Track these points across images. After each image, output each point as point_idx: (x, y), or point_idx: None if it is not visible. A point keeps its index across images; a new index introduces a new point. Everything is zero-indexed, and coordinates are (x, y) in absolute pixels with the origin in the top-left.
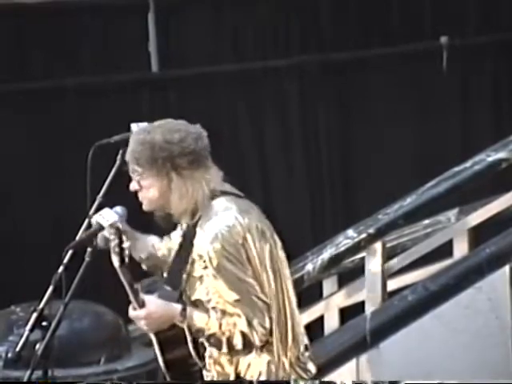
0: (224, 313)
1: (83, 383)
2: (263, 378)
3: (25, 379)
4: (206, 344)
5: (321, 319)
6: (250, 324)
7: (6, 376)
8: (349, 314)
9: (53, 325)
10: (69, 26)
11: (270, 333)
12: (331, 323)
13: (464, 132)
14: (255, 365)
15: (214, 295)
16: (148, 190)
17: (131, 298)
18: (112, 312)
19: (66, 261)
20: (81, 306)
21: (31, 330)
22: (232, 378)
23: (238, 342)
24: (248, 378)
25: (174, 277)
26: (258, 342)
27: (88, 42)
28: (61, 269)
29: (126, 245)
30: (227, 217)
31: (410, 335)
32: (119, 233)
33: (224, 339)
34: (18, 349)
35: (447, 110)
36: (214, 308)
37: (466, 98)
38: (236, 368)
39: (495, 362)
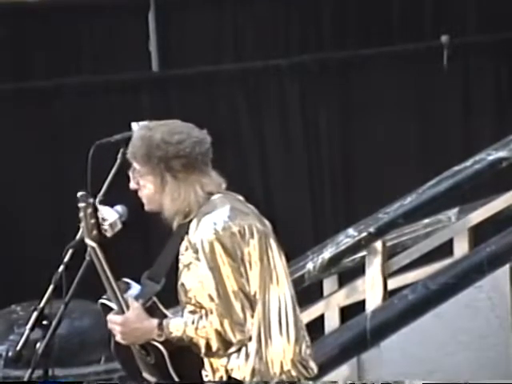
0: (201, 307)
1: (84, 382)
2: (256, 377)
3: (25, 378)
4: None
5: (321, 318)
6: (222, 321)
7: (7, 375)
8: (349, 313)
9: (53, 324)
10: (69, 25)
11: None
12: (332, 322)
13: (464, 131)
14: (243, 367)
15: (198, 284)
16: (145, 188)
17: (110, 290)
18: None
19: (66, 260)
20: (81, 305)
21: (32, 329)
22: (224, 377)
23: (213, 344)
24: (238, 377)
25: (158, 270)
26: (233, 340)
27: (88, 42)
28: (61, 268)
29: (107, 218)
30: (223, 212)
31: (410, 334)
32: (91, 204)
33: (201, 342)
34: (18, 348)
35: (448, 108)
36: (190, 300)
37: (467, 97)
38: (226, 370)
39: (495, 362)
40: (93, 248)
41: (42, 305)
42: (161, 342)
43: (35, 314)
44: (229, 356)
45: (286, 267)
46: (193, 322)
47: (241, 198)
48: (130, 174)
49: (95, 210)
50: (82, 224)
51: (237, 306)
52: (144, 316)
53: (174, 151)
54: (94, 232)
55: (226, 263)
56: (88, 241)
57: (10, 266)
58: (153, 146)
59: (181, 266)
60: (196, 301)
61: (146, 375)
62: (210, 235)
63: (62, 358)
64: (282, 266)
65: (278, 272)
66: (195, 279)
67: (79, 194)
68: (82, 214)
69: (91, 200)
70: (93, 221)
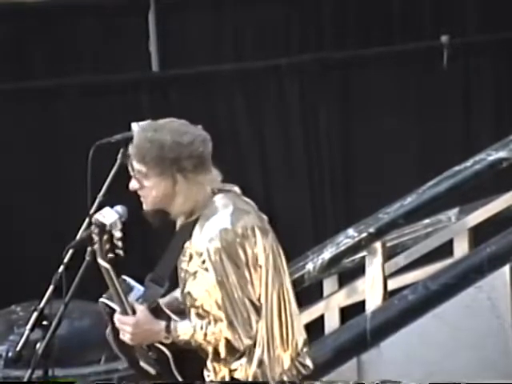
0: (208, 314)
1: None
2: (258, 378)
3: (25, 379)
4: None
5: (321, 318)
6: (232, 329)
7: (7, 375)
8: (349, 313)
9: (53, 324)
10: (69, 25)
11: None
12: (332, 323)
13: (465, 131)
14: (246, 367)
15: (205, 293)
16: (151, 190)
17: (119, 301)
18: None
19: (66, 260)
20: (81, 305)
21: (32, 330)
22: (227, 377)
23: (222, 350)
24: (241, 377)
25: (161, 273)
26: (241, 347)
27: (88, 42)
28: (61, 268)
29: (117, 235)
30: (226, 215)
31: (410, 335)
32: (105, 227)
33: (210, 348)
34: (18, 348)
35: (448, 109)
36: (197, 308)
37: (467, 97)
38: (229, 370)
39: (495, 362)
40: (106, 269)
41: (42, 305)
42: (164, 344)
43: (35, 314)
44: None
45: (284, 262)
46: (201, 328)
47: (238, 190)
48: (133, 173)
49: (111, 234)
50: (96, 246)
51: (244, 312)
52: (151, 317)
53: (187, 152)
54: (110, 255)
55: (232, 271)
56: (101, 262)
57: (10, 266)
58: (165, 148)
59: (186, 273)
60: (203, 309)
61: (143, 364)
62: (216, 243)
63: (62, 358)
64: (281, 261)
65: (278, 269)
66: (202, 288)
67: (94, 218)
68: (96, 238)
69: (106, 226)
70: (108, 246)
